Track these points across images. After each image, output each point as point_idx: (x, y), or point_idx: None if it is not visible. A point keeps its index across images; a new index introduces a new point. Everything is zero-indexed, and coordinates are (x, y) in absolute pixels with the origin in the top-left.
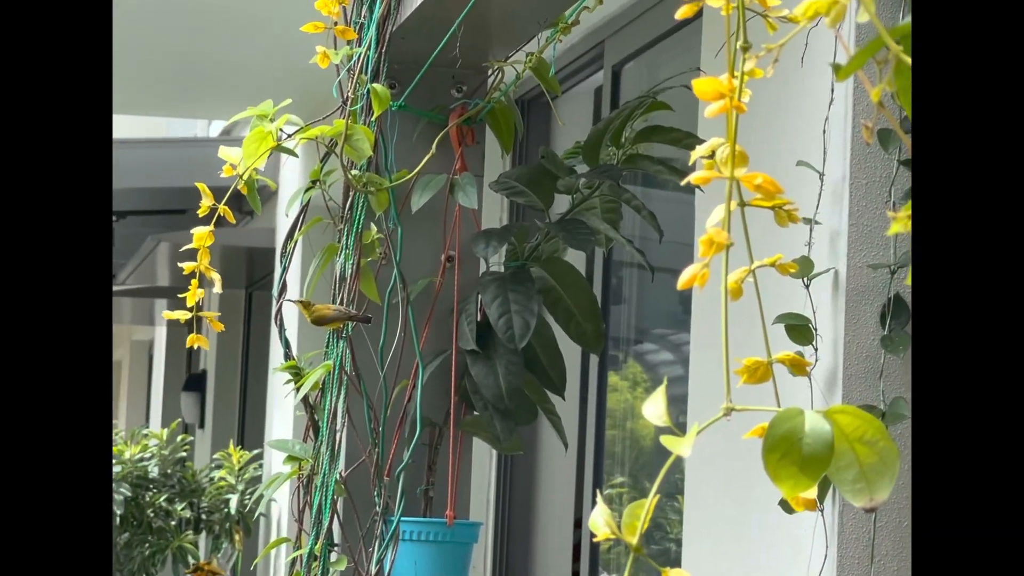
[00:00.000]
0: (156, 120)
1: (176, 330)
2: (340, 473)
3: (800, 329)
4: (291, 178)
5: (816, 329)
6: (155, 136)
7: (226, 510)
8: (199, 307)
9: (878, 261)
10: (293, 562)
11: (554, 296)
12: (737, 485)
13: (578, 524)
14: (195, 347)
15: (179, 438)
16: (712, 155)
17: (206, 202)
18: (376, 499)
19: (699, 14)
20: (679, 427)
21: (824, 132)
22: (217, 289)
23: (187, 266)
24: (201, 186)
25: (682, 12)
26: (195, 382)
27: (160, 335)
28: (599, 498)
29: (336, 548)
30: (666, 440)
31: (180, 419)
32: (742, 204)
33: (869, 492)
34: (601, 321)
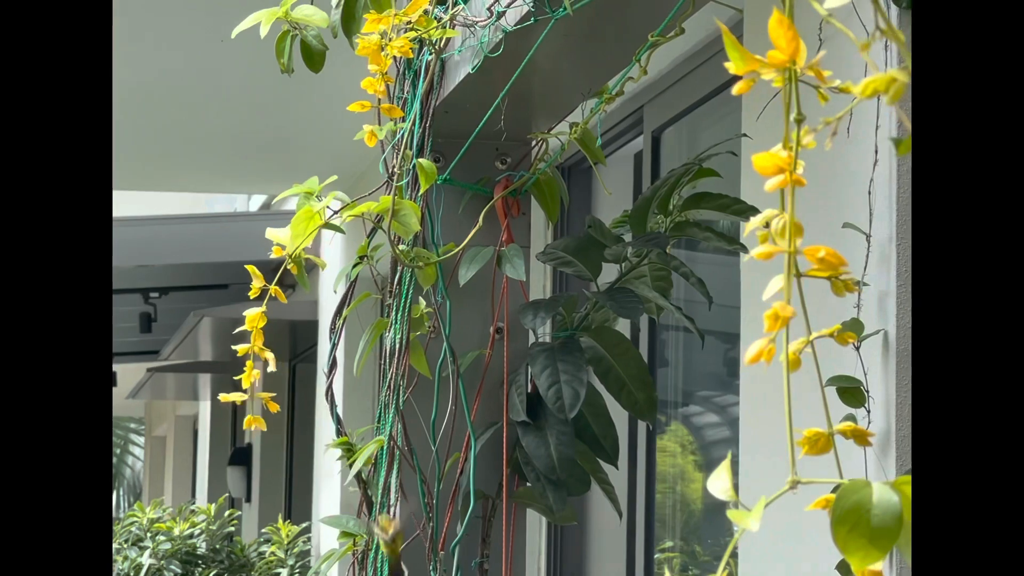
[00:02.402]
0: (196, 196)
1: (221, 404)
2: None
3: (852, 392)
4: (334, 252)
5: (868, 391)
6: (196, 212)
7: None
8: (253, 387)
9: None
10: None
11: (605, 365)
12: (791, 553)
13: None
14: (240, 421)
15: (227, 513)
16: (767, 225)
17: (257, 283)
18: (432, 573)
19: (739, 77)
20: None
21: (869, 193)
22: (272, 368)
23: (240, 348)
24: (251, 268)
25: (739, 88)
26: (241, 456)
27: (204, 409)
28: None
29: None
30: (733, 515)
31: (227, 494)
32: (798, 275)
33: None
34: (653, 390)
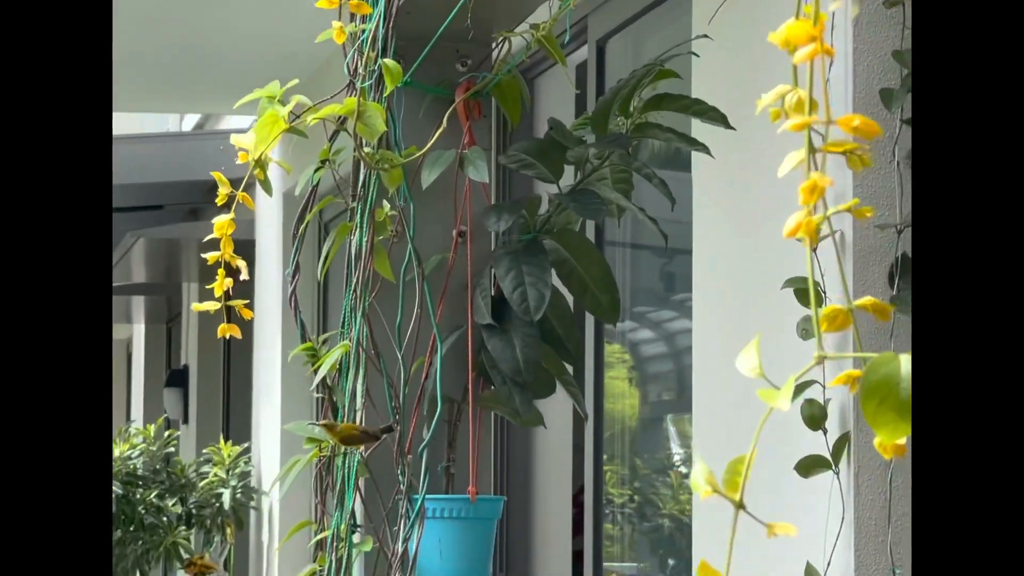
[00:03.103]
0: (129, 116)
1: (155, 327)
2: (361, 453)
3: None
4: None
5: (825, 292)
6: (128, 132)
7: (217, 504)
8: (228, 295)
9: (884, 221)
10: (318, 545)
11: (568, 268)
12: (745, 448)
13: (578, 499)
14: (175, 343)
15: (166, 434)
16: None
17: (223, 190)
18: (400, 478)
19: None
20: (684, 401)
21: (825, 93)
22: (244, 276)
23: (211, 256)
24: (217, 175)
25: None
26: (177, 378)
27: (139, 332)
28: (697, 455)
29: (359, 529)
30: (763, 394)
31: (164, 415)
32: (812, 151)
33: None
34: (616, 292)
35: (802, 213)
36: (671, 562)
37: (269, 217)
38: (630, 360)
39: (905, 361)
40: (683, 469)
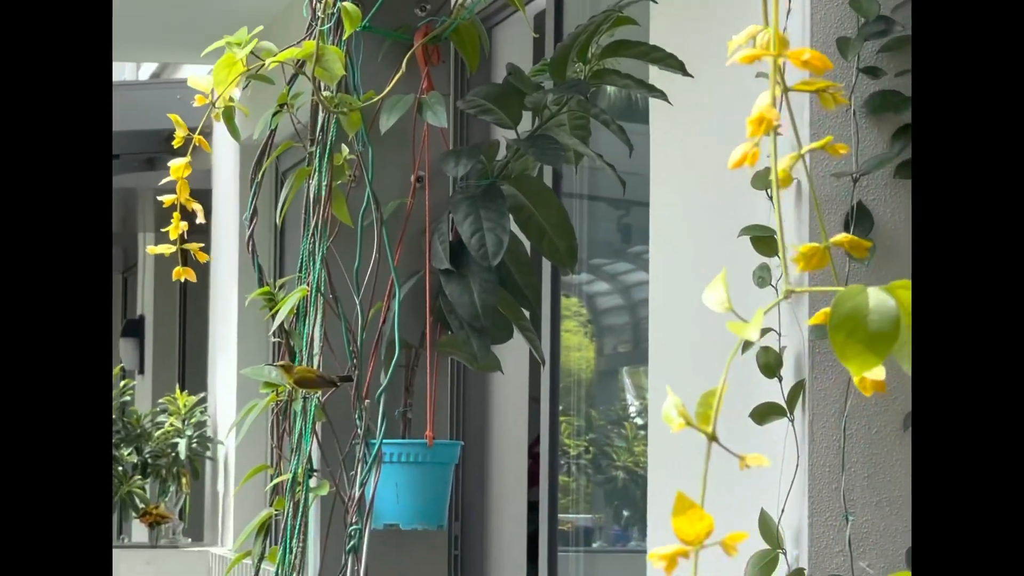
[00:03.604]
0: None
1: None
2: (319, 398)
3: (766, 240)
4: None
5: (782, 240)
6: None
7: (173, 454)
8: (183, 239)
9: (840, 170)
10: (274, 489)
11: (525, 213)
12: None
13: (533, 450)
14: (130, 293)
15: (121, 383)
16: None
17: (180, 132)
18: (357, 422)
19: None
20: (639, 354)
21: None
22: (200, 220)
23: (166, 199)
24: (175, 118)
25: None
26: (133, 328)
27: None
28: (669, 389)
29: (316, 473)
30: (732, 326)
31: (120, 365)
32: (785, 89)
33: None
34: (574, 238)
35: (748, 145)
36: (625, 513)
37: (225, 165)
38: (586, 313)
39: (872, 294)
40: (638, 421)
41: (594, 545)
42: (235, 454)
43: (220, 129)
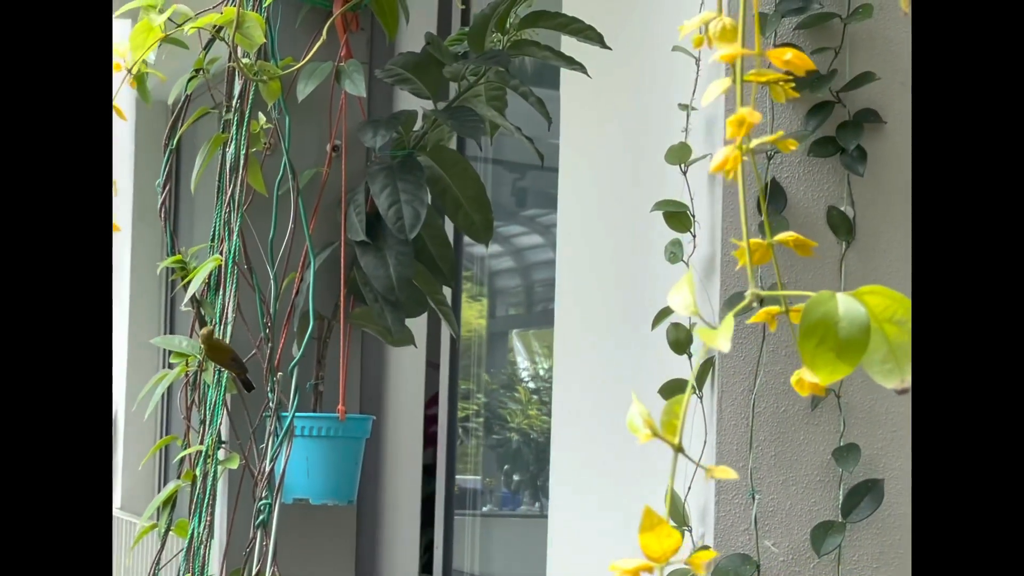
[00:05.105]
0: None
1: None
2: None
3: (678, 216)
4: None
5: (694, 216)
6: None
7: None
8: None
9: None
10: (181, 461)
11: (442, 186)
12: (608, 370)
13: (430, 413)
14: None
15: None
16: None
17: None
18: (269, 395)
19: None
20: (531, 317)
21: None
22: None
23: None
24: None
25: None
26: None
27: None
28: (634, 396)
29: (224, 445)
30: (702, 333)
31: None
32: (745, 80)
33: (899, 372)
34: (490, 212)
35: (730, 148)
36: (516, 477)
37: (117, 131)
38: (477, 275)
39: (842, 300)
40: (531, 385)
41: (484, 509)
42: (123, 418)
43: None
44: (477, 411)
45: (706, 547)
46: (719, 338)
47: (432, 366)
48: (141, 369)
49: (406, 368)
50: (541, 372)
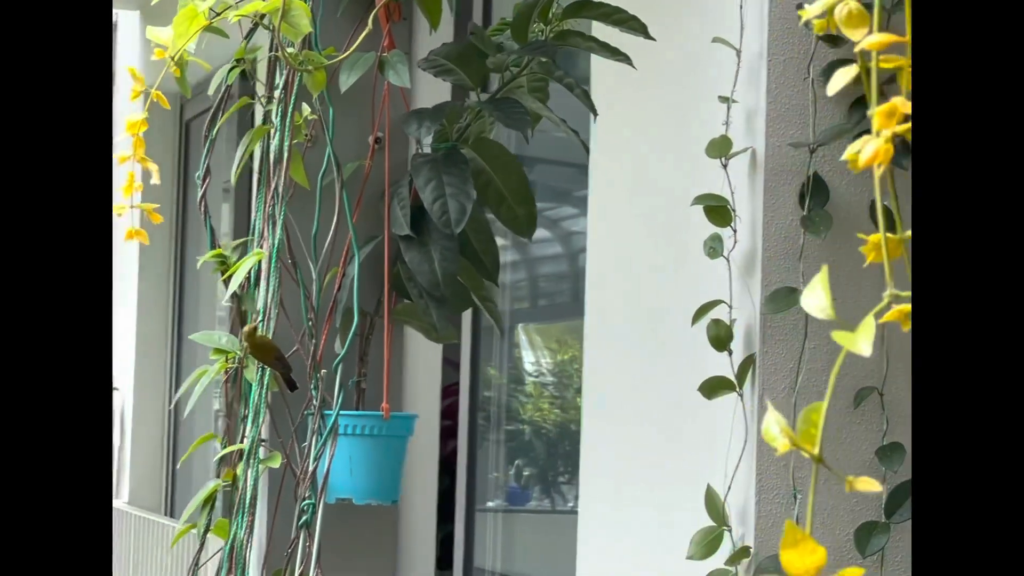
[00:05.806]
0: None
1: None
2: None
3: (719, 210)
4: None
5: (735, 210)
6: None
7: None
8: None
9: (797, 139)
10: (221, 460)
11: (485, 178)
12: (647, 366)
13: (450, 410)
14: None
15: None
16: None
17: (137, 86)
18: (313, 392)
19: None
20: (536, 311)
21: (741, 7)
22: (155, 180)
23: (121, 156)
24: (131, 70)
25: None
26: None
27: None
28: (770, 406)
29: (264, 444)
30: (839, 337)
31: None
32: (864, 68)
33: None
34: (533, 205)
35: (880, 140)
36: (526, 472)
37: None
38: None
39: None
40: (542, 379)
41: (491, 504)
42: (132, 407)
43: (121, 81)
44: (486, 406)
45: (746, 547)
46: (859, 341)
47: (448, 362)
48: (148, 352)
49: (430, 361)
50: (549, 366)
